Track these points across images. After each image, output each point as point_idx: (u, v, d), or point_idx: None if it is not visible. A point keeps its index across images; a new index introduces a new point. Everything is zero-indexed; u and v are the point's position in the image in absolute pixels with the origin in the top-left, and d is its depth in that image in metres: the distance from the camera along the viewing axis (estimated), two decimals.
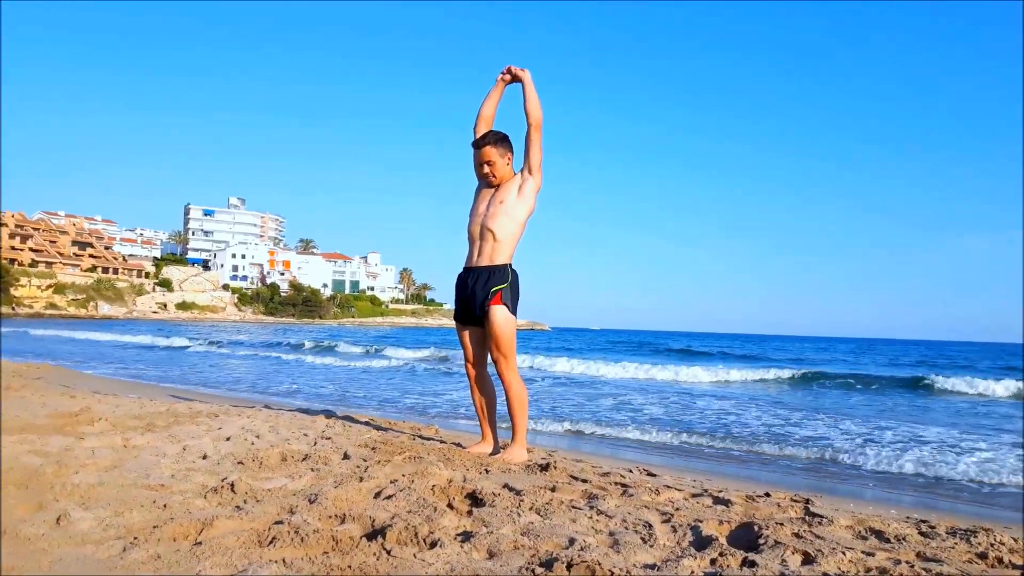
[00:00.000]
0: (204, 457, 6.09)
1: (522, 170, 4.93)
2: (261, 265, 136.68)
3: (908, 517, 5.48)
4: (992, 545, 4.45)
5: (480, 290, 5.01)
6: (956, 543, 4.53)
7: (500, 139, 4.99)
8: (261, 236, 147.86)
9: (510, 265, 5.02)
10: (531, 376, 21.99)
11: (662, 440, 10.36)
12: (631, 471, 6.80)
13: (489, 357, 5.19)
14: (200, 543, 3.74)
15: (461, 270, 5.15)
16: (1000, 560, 4.16)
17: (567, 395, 16.42)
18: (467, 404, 13.56)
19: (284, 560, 3.52)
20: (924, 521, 5.23)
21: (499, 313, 4.98)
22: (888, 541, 4.57)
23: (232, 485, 4.93)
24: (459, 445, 7.54)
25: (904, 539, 4.61)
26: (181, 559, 3.46)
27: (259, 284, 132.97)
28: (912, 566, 3.94)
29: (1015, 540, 4.60)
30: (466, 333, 5.28)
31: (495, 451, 5.81)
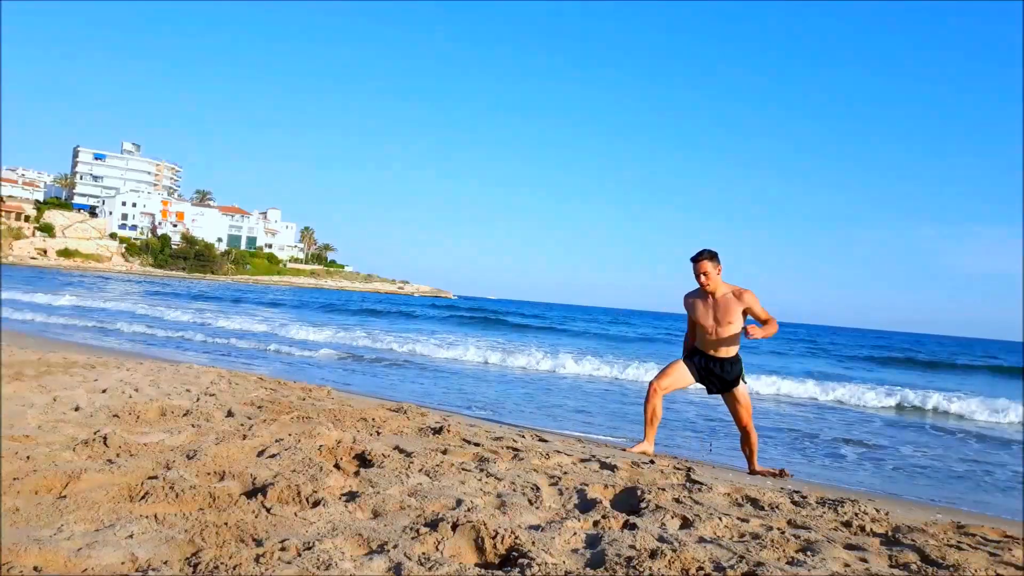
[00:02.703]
0: (76, 409, 5.77)
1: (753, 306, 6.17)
2: (153, 215, 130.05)
3: (783, 487, 5.74)
4: (856, 515, 4.71)
5: (725, 371, 6.39)
6: (824, 512, 4.78)
7: (712, 255, 6.16)
8: (155, 185, 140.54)
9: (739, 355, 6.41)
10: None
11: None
12: (523, 436, 6.86)
13: (741, 417, 6.54)
14: (65, 497, 3.53)
15: (702, 354, 6.47)
16: (863, 528, 4.41)
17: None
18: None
19: (156, 516, 3.36)
20: (797, 491, 5.49)
21: (744, 389, 6.49)
22: (762, 509, 4.78)
23: (104, 438, 4.68)
24: (349, 406, 7.43)
25: (777, 507, 4.83)
26: (42, 513, 3.26)
27: (149, 235, 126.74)
28: (783, 532, 4.13)
29: (877, 511, 4.89)
30: (685, 372, 6.48)
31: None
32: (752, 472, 6.56)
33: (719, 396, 6.58)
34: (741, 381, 6.33)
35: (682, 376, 6.40)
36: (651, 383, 6.47)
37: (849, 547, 3.96)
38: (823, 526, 4.40)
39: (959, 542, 4.22)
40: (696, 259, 6.12)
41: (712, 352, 6.27)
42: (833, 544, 3.94)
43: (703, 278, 6.11)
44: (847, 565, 3.62)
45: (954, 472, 7.93)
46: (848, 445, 9.22)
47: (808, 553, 3.73)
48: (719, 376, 6.34)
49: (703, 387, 6.61)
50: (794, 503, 4.99)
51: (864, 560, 3.75)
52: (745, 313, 6.14)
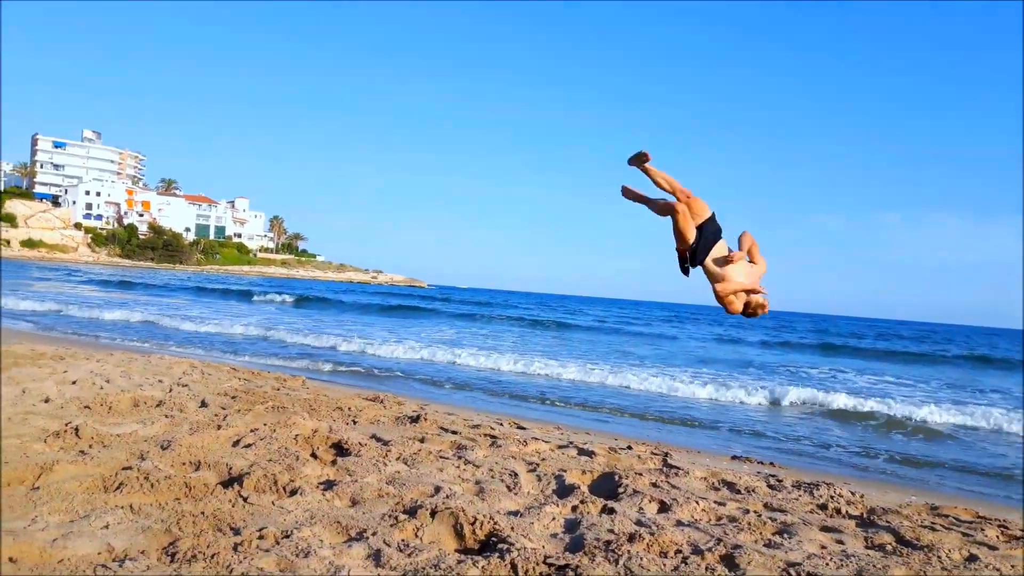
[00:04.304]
0: (46, 400, 5.66)
1: None
2: (118, 204, 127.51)
3: (759, 471, 5.80)
4: (832, 497, 4.78)
5: None
6: (800, 495, 4.84)
7: None
8: (119, 174, 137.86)
9: None
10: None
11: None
12: (501, 424, 6.86)
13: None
14: (38, 488, 3.46)
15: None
16: (839, 510, 4.47)
17: None
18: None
19: (131, 506, 3.31)
20: (773, 475, 5.55)
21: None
22: (739, 492, 4.82)
23: (76, 429, 4.60)
24: (326, 396, 7.38)
25: (753, 491, 4.88)
26: (15, 504, 3.19)
27: (115, 225, 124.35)
28: (759, 515, 4.17)
29: (852, 493, 4.96)
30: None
31: None
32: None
33: None
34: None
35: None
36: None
37: (825, 529, 4.02)
38: (799, 509, 4.45)
39: (933, 523, 4.30)
40: None
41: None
42: (809, 526, 3.99)
43: None
44: (823, 547, 3.67)
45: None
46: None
47: (785, 535, 3.77)
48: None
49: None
50: (770, 487, 5.05)
51: (840, 542, 3.80)
52: None
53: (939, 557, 3.54)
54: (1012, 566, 3.53)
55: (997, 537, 4.15)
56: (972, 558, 3.57)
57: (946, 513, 4.65)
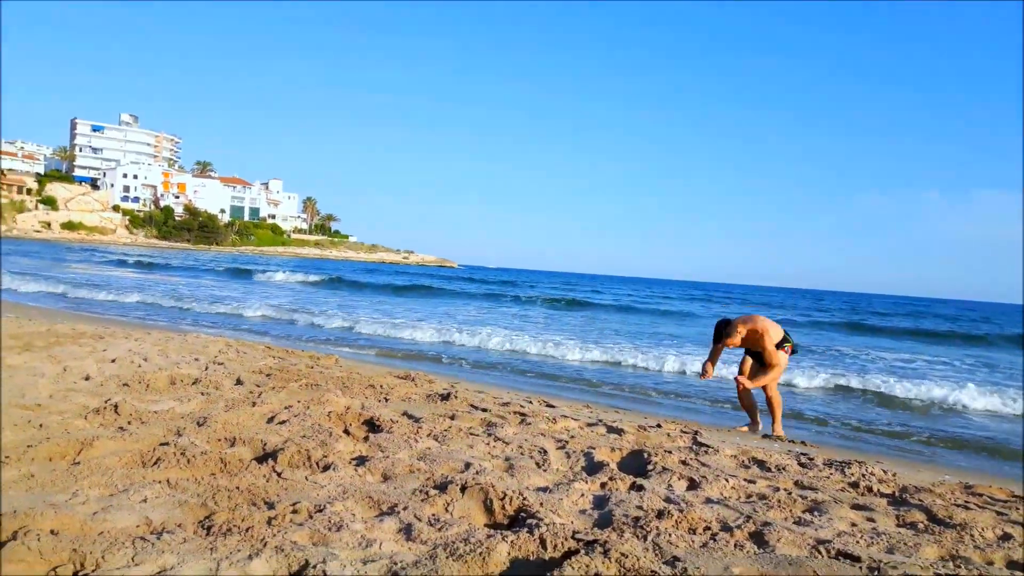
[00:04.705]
0: (87, 378, 5.80)
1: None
2: (155, 187, 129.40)
3: (790, 449, 5.77)
4: (864, 476, 4.74)
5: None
6: (832, 473, 4.80)
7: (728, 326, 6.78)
8: (155, 156, 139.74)
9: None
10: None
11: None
12: (530, 402, 6.89)
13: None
14: (78, 463, 3.56)
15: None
16: (870, 489, 4.44)
17: None
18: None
19: (168, 481, 3.39)
20: (804, 453, 5.51)
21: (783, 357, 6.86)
22: (769, 470, 4.80)
23: (116, 406, 4.71)
24: (358, 374, 7.47)
25: (784, 468, 4.86)
26: (57, 479, 3.29)
27: (152, 207, 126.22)
28: (789, 493, 4.15)
29: (885, 472, 4.91)
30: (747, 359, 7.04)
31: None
32: (774, 432, 6.82)
33: None
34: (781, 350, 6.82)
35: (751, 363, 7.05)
36: (736, 378, 7.01)
37: (856, 507, 3.99)
38: (830, 487, 4.42)
39: (967, 502, 4.25)
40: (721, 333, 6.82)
41: (743, 385, 6.83)
42: (840, 504, 3.97)
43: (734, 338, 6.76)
44: (854, 524, 3.65)
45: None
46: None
47: (815, 513, 3.76)
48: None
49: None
50: (801, 464, 5.02)
51: (871, 520, 3.77)
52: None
53: (971, 535, 3.50)
54: None
55: None
56: (1006, 536, 3.53)
57: (980, 492, 4.59)
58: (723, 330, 6.79)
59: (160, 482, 3.36)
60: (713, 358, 7.00)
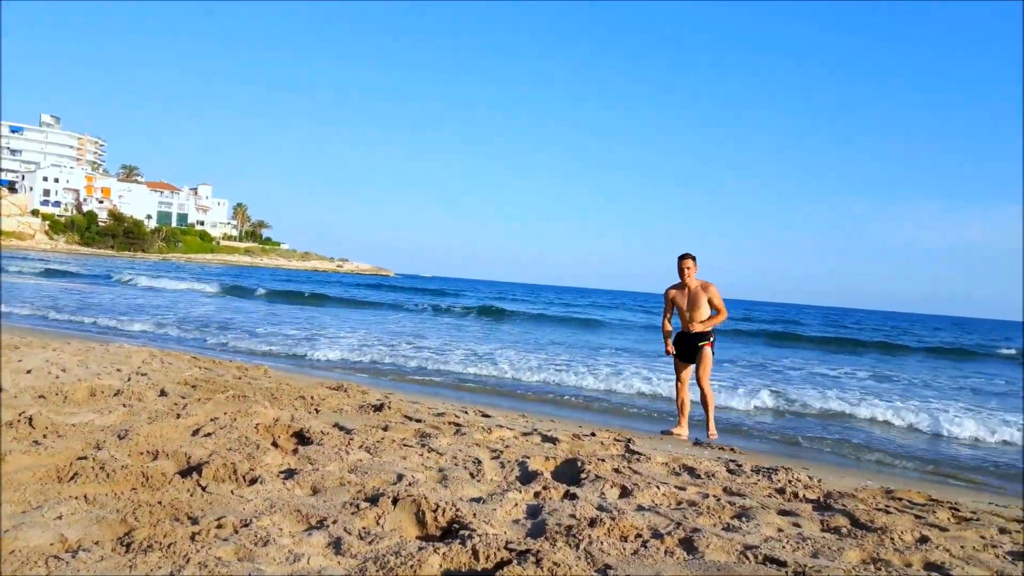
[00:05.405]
0: None
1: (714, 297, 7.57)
2: (77, 191, 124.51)
3: (719, 456, 5.87)
4: (790, 482, 4.85)
5: (696, 339, 7.53)
6: (759, 479, 4.91)
7: (694, 257, 7.61)
8: (78, 159, 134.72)
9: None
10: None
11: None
12: (466, 412, 6.86)
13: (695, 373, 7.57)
14: None
15: (680, 335, 7.71)
16: (796, 495, 4.55)
17: None
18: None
19: (86, 496, 3.26)
20: (733, 460, 5.63)
21: (708, 352, 7.54)
22: (699, 477, 4.88)
23: (30, 419, 4.50)
24: (288, 384, 7.32)
25: (713, 475, 4.94)
26: None
27: (74, 211, 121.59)
28: (719, 499, 4.23)
29: (810, 478, 5.05)
30: (687, 366, 7.60)
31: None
32: (709, 438, 7.25)
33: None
34: (707, 346, 7.48)
35: (687, 368, 7.61)
36: (676, 384, 7.74)
37: (783, 512, 4.08)
38: (758, 493, 4.52)
39: (887, 506, 4.39)
40: (683, 257, 7.59)
41: (688, 328, 7.56)
42: (767, 510, 4.06)
43: (687, 272, 7.51)
44: (780, 530, 3.73)
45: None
46: None
47: (743, 519, 3.83)
48: (691, 344, 7.52)
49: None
50: (729, 471, 5.11)
51: (797, 525, 3.87)
52: (709, 300, 7.50)
53: (892, 539, 3.62)
54: (961, 547, 3.62)
55: (948, 519, 4.26)
56: (923, 539, 3.66)
57: (900, 496, 4.75)
58: (681, 263, 7.54)
59: (77, 498, 3.22)
60: (666, 330, 7.71)
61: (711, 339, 7.50)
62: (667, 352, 7.66)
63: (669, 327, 7.75)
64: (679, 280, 7.63)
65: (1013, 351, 30.73)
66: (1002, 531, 4.05)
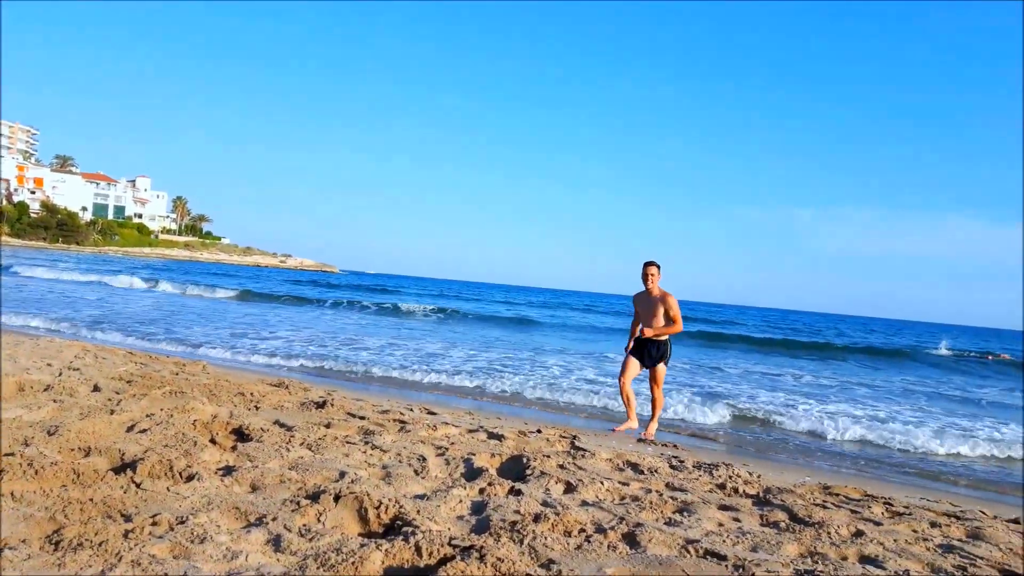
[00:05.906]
0: None
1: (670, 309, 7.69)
2: (8, 181, 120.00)
3: (662, 453, 5.94)
4: (730, 477, 4.94)
5: (656, 352, 7.76)
6: (700, 475, 4.98)
7: (658, 265, 7.81)
8: (8, 148, 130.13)
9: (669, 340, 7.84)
10: None
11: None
12: (411, 409, 6.81)
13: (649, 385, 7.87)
14: None
15: (639, 342, 7.83)
16: (736, 490, 4.63)
17: None
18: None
19: (12, 494, 3.13)
20: (675, 456, 5.70)
21: (663, 367, 7.82)
22: (642, 473, 4.93)
23: None
24: (227, 381, 7.16)
25: (656, 471, 5.00)
26: None
27: (4, 202, 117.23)
28: (661, 494, 4.27)
29: (750, 473, 5.14)
30: (636, 363, 7.78)
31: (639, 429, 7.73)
32: (645, 435, 7.42)
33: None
34: (664, 361, 7.76)
35: (634, 365, 7.79)
36: (619, 378, 7.87)
37: (723, 508, 4.15)
38: (699, 488, 4.58)
39: (824, 501, 4.50)
40: (648, 264, 7.80)
41: (647, 335, 7.73)
42: (708, 505, 4.11)
43: (651, 278, 7.70)
44: (721, 524, 3.79)
45: None
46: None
47: (685, 514, 3.88)
48: (651, 353, 7.76)
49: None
50: (672, 467, 5.18)
51: (737, 520, 3.93)
52: (665, 311, 7.67)
53: (828, 533, 3.71)
54: (894, 540, 3.73)
55: (882, 513, 4.38)
56: (859, 533, 3.75)
57: (837, 492, 4.87)
58: (645, 269, 7.74)
59: (3, 495, 3.09)
60: (633, 332, 7.90)
61: (666, 359, 7.78)
62: (626, 350, 7.86)
63: (636, 331, 7.94)
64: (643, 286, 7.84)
65: (944, 351, 31.97)
66: (933, 525, 4.18)
